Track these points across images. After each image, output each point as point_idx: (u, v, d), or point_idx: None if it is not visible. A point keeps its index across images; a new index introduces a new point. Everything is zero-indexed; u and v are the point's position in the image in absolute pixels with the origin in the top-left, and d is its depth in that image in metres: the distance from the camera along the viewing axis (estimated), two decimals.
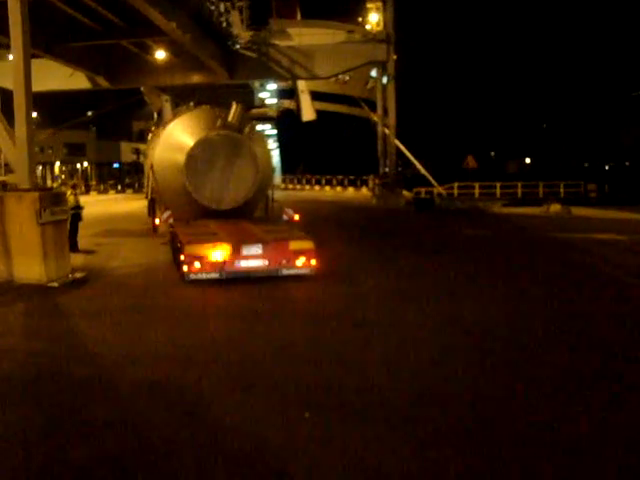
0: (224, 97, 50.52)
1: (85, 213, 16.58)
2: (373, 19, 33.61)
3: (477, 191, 34.98)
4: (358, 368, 6.43)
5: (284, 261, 11.11)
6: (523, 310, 9.08)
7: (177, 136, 15.18)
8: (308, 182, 47.71)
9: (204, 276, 10.85)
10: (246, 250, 11.00)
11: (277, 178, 55.74)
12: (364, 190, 39.91)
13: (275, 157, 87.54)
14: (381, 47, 31.08)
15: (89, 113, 54.34)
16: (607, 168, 67.62)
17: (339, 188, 42.90)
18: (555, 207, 27.43)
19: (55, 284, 11.19)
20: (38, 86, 32.51)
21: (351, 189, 41.47)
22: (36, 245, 11.21)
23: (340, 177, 44.21)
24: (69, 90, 32.84)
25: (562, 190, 34.87)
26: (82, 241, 16.47)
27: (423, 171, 34.66)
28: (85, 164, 71.61)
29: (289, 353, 7.03)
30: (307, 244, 11.36)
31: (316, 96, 52.20)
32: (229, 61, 30.72)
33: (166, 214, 14.81)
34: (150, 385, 6.02)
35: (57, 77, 31.39)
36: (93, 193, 50.45)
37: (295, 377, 6.11)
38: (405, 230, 20.81)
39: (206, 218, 14.11)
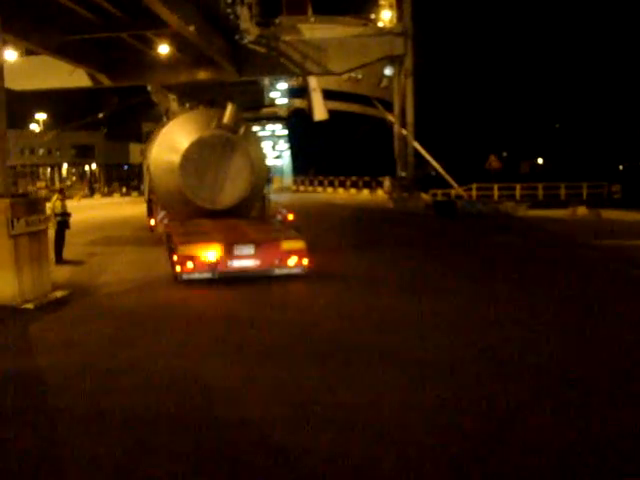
0: (232, 96, 49.47)
1: (83, 218, 15.44)
2: (386, 16, 31.88)
3: (496, 193, 33.46)
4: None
5: (276, 261, 11.35)
6: None
7: (172, 137, 15.30)
8: (320, 184, 46.00)
9: (197, 276, 11.12)
10: (238, 250, 11.23)
11: (287, 180, 54.42)
12: (380, 192, 38.18)
13: (285, 158, 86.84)
14: (398, 40, 29.44)
15: (100, 115, 53.17)
16: (621, 168, 65.78)
17: (353, 190, 41.15)
18: (582, 210, 25.77)
19: (30, 305, 9.69)
20: (38, 84, 31.73)
21: (366, 191, 39.75)
22: (7, 260, 9.69)
23: (354, 179, 42.49)
24: (70, 88, 31.47)
25: (585, 191, 33.31)
26: (73, 250, 15.10)
27: (443, 172, 33.00)
28: (94, 166, 70.62)
29: None
30: (299, 244, 11.56)
31: (328, 95, 50.80)
32: (237, 56, 29.19)
33: (161, 214, 15.38)
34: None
35: (58, 75, 30.12)
36: (97, 196, 49.09)
37: None
38: (428, 237, 19.11)
39: (202, 218, 14.26)
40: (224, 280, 11.17)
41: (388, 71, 57.30)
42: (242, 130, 15.05)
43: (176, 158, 14.46)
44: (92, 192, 50.27)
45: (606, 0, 63.06)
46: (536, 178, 38.23)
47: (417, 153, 31.37)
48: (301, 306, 9.83)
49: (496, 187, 33.43)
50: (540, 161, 73.95)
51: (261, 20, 33.19)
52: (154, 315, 9.24)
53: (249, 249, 11.30)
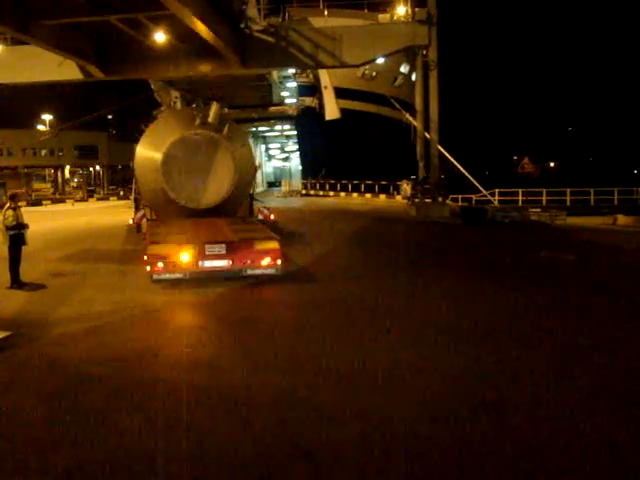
0: (238, 93, 46.97)
1: (66, 226, 13.70)
2: (401, 12, 29.13)
3: (521, 198, 30.85)
4: None
5: (249, 261, 11.34)
6: None
7: (156, 135, 15.26)
8: (332, 188, 43.13)
9: (167, 276, 11.13)
10: (210, 250, 11.20)
11: (296, 183, 51.77)
12: (398, 197, 35.35)
13: (294, 160, 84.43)
14: (421, 29, 26.60)
15: (95, 114, 50.94)
16: (635, 172, 63.09)
17: (368, 195, 38.25)
18: (624, 219, 23.15)
19: None
20: (24, 77, 29.17)
21: (383, 196, 36.90)
22: None
23: (369, 182, 39.64)
24: (58, 81, 28.98)
25: (616, 197, 31.19)
26: (38, 269, 12.68)
27: (470, 177, 30.25)
28: (97, 167, 68.78)
29: None
30: (272, 244, 11.55)
31: (340, 94, 48.30)
32: (242, 46, 26.50)
33: (139, 214, 15.71)
34: None
35: (45, 67, 27.65)
36: (93, 199, 46.55)
37: None
38: (464, 253, 16.28)
39: (185, 217, 14.24)
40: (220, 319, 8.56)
41: (403, 68, 55.00)
42: (226, 129, 14.87)
43: (158, 156, 14.33)
44: (91, 195, 47.77)
45: (625, 4, 59.98)
46: (548, 182, 35.69)
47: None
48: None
49: (521, 192, 31.05)
50: (552, 164, 71.47)
51: (269, 10, 30.76)
52: (112, 382, 6.50)
53: (221, 249, 11.25)
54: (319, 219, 25.41)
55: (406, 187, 36.60)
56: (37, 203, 41.55)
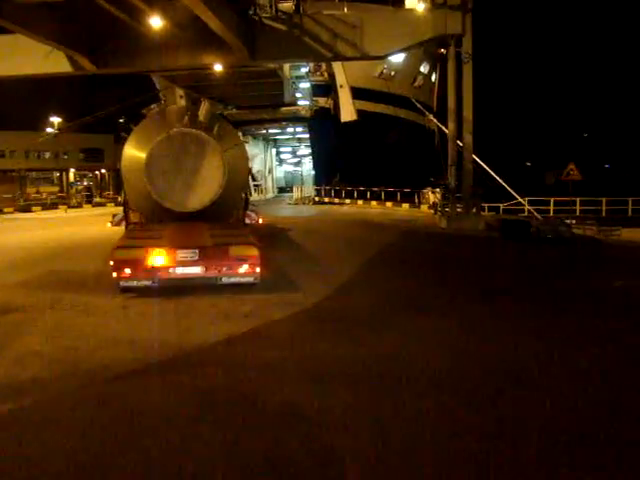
0: (247, 93, 44.22)
1: (45, 238, 14.37)
2: (420, 7, 25.99)
3: (552, 208, 28.02)
4: None
5: (224, 268, 10.72)
6: None
7: (142, 135, 14.50)
8: (348, 195, 39.98)
9: (135, 284, 10.59)
10: (181, 255, 10.65)
11: (309, 189, 48.90)
12: (424, 207, 32.21)
13: (306, 165, 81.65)
14: (454, 16, 23.55)
15: (88, 118, 48.45)
16: None
17: (389, 204, 35.02)
18: None
19: None
20: (5, 70, 26.51)
21: (405, 205, 33.72)
22: None
23: (390, 189, 36.51)
24: (45, 75, 26.24)
25: None
26: None
27: (504, 185, 27.22)
28: (103, 171, 66.80)
29: None
30: (250, 250, 10.90)
31: (356, 94, 45.62)
32: (251, 34, 23.66)
33: (117, 217, 14.96)
34: None
35: (29, 59, 24.99)
36: (87, 206, 43.82)
37: None
38: (523, 277, 13.17)
39: (173, 221, 13.47)
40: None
41: (423, 68, 52.12)
42: (216, 128, 14.13)
43: (143, 156, 13.43)
44: (89, 201, 44.96)
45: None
46: (564, 190, 33.08)
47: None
48: None
49: (552, 201, 28.34)
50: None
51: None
52: None
53: (193, 254, 10.68)
54: (338, 232, 22.43)
55: (430, 195, 33.54)
56: (27, 209, 38.78)
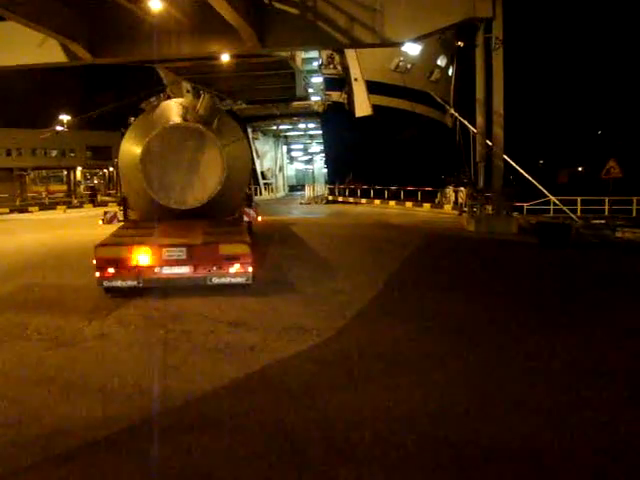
0: (258, 85, 42.45)
1: (31, 242, 14.33)
2: None
3: (580, 207, 26.00)
4: None
5: (214, 268, 10.19)
6: None
7: (139, 129, 14.10)
8: (365, 194, 37.84)
9: (119, 284, 10.14)
10: (167, 254, 10.14)
11: (321, 188, 47.06)
12: (447, 207, 30.08)
13: (318, 162, 79.76)
14: None
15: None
16: None
17: (409, 203, 32.81)
18: None
19: None
20: None
21: (427, 205, 31.55)
22: None
23: (410, 188, 34.36)
24: (38, 65, 24.46)
25: None
26: None
27: (536, 184, 25.12)
28: (111, 169, 65.71)
29: None
30: (241, 248, 10.37)
31: (370, 88, 43.73)
32: (260, 19, 21.74)
33: (108, 215, 14.34)
34: None
35: (21, 48, 23.29)
36: (89, 206, 42.04)
37: None
38: (587, 298, 11.08)
39: (170, 219, 12.81)
40: None
41: (440, 61, 50.05)
42: (216, 122, 13.68)
43: (138, 151, 12.97)
44: (92, 200, 43.21)
45: None
46: (577, 188, 31.19)
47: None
48: None
49: (580, 201, 26.25)
50: (579, 169, 66.30)
51: None
52: None
53: (180, 253, 10.13)
54: (356, 237, 20.46)
55: (451, 194, 31.45)
56: (23, 210, 36.98)
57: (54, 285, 11.81)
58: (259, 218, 15.87)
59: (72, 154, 72.35)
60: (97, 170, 70.85)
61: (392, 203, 34.11)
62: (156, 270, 10.12)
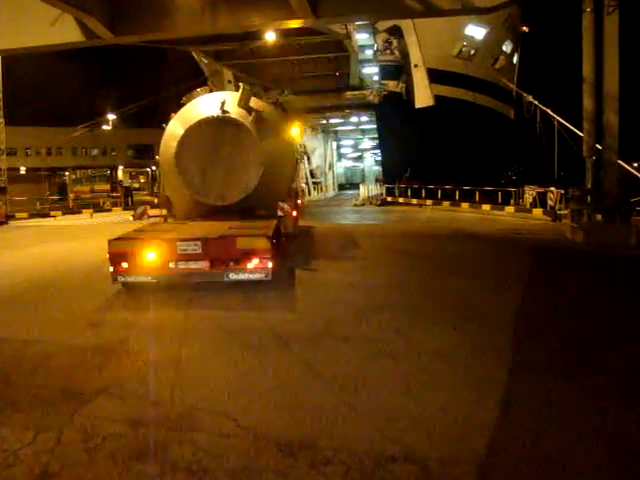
0: (304, 70, 39.00)
1: (34, 258, 12.97)
2: None
3: None
4: None
5: (231, 263, 9.82)
6: None
7: (177, 123, 13.86)
8: (430, 195, 33.57)
9: (133, 279, 9.97)
10: (181, 248, 9.81)
11: (376, 187, 43.50)
12: (537, 212, 25.54)
13: (367, 159, 75.62)
14: None
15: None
16: None
17: (486, 206, 28.19)
18: None
19: None
20: (4, 44, 21.36)
21: (509, 208, 26.98)
22: None
23: (488, 188, 29.95)
24: (52, 47, 21.36)
25: None
26: None
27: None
28: (154, 167, 63.73)
29: None
30: (259, 242, 9.90)
31: (431, 77, 40.04)
32: None
33: (139, 210, 14.57)
34: None
35: (32, 27, 20.27)
36: (117, 209, 39.20)
37: None
38: None
39: (209, 215, 12.75)
40: None
41: (506, 47, 45.54)
42: (253, 115, 13.30)
43: (174, 145, 12.87)
44: (127, 202, 40.53)
45: None
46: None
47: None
48: None
49: None
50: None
51: None
52: None
53: (195, 247, 9.80)
54: (436, 252, 16.34)
55: (529, 195, 26.96)
56: (45, 214, 34.08)
57: (30, 340, 7.86)
58: (294, 213, 15.16)
59: (113, 153, 70.61)
60: (141, 169, 69.23)
61: (464, 205, 29.68)
62: (171, 265, 9.79)
